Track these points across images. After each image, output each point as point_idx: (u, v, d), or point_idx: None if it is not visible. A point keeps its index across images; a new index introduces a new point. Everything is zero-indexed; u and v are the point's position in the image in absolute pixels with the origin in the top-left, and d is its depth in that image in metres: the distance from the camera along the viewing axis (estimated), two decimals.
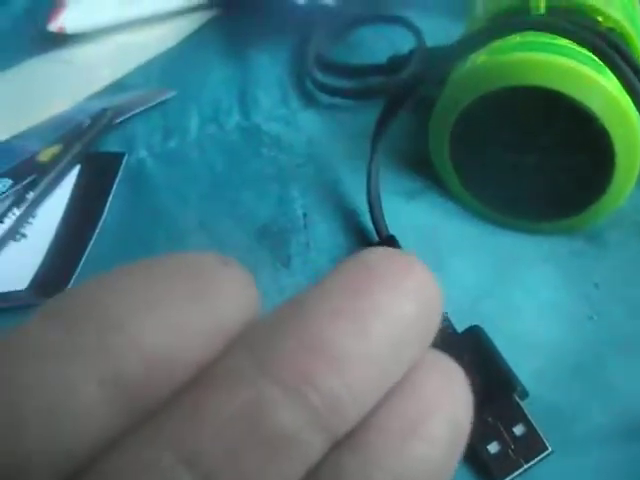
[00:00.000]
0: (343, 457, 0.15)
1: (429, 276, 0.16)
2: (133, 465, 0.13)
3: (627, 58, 0.34)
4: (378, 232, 0.39)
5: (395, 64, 0.49)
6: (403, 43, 0.50)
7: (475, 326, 0.33)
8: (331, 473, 0.15)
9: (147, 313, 0.14)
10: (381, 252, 0.16)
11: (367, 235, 0.40)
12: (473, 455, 0.30)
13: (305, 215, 0.42)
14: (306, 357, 0.14)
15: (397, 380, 0.16)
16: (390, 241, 0.38)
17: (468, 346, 0.32)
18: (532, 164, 0.38)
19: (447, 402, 0.16)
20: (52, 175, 0.46)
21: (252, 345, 0.15)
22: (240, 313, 0.15)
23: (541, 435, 0.30)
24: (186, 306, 0.14)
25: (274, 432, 0.14)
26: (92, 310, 0.14)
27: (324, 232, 0.41)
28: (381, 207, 0.39)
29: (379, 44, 0.53)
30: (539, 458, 0.30)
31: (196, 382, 0.14)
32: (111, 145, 0.50)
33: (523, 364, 0.32)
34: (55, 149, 0.47)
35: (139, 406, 0.14)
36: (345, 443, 0.15)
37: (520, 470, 0.30)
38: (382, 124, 0.41)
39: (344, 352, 0.14)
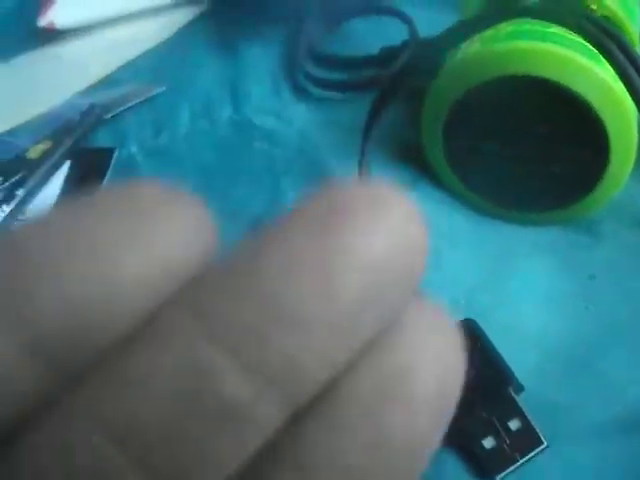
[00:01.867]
0: (306, 428, 0.13)
1: (410, 210, 0.13)
2: (57, 444, 0.11)
3: (622, 46, 0.33)
4: None
5: (387, 56, 0.49)
6: (396, 35, 0.50)
7: (469, 319, 0.33)
8: (292, 447, 0.13)
9: (69, 259, 0.12)
10: (349, 186, 0.13)
11: None
12: (468, 450, 0.30)
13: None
14: (259, 314, 0.12)
15: (372, 336, 0.13)
16: None
17: (461, 340, 0.32)
18: (526, 154, 0.38)
19: (433, 359, 0.13)
20: (42, 171, 0.45)
21: (196, 299, 0.12)
22: (190, 255, 0.13)
23: (536, 429, 0.30)
24: (119, 248, 0.12)
25: (220, 402, 0.12)
26: (5, 258, 0.12)
27: None
28: None
29: (371, 36, 0.53)
30: (535, 453, 0.29)
31: (130, 339, 0.12)
32: (101, 141, 0.49)
33: (518, 357, 0.32)
34: (45, 145, 0.47)
35: (65, 371, 0.12)
36: (309, 412, 0.13)
37: (515, 465, 0.29)
38: (374, 115, 0.40)
39: (306, 308, 0.12)
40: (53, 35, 0.59)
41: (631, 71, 0.33)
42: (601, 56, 0.34)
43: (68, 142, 0.47)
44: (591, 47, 0.35)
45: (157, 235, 0.12)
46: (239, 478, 0.12)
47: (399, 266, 0.13)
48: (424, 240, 0.13)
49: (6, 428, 0.12)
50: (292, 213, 0.13)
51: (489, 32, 0.37)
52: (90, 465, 0.11)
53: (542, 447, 0.29)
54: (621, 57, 0.33)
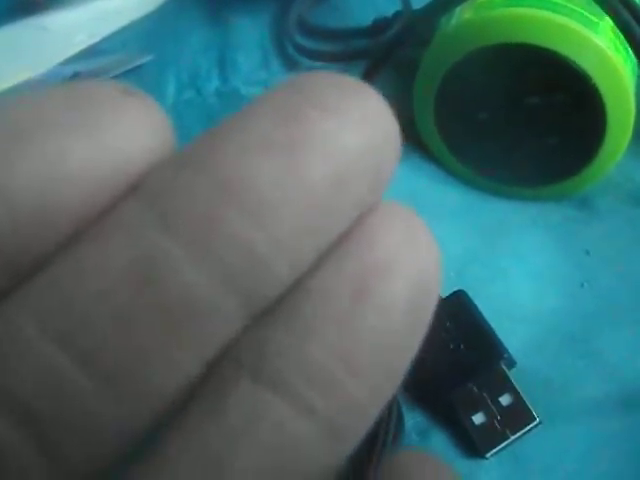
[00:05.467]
0: (269, 330, 0.12)
1: (383, 104, 0.13)
2: None
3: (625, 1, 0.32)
4: None
5: (379, 27, 0.48)
6: (388, 6, 0.49)
7: (459, 291, 0.32)
8: (253, 351, 0.12)
9: (16, 150, 0.11)
10: (319, 74, 0.13)
11: None
12: (457, 426, 0.29)
13: None
14: (217, 201, 0.11)
15: (339, 231, 0.12)
16: None
17: (451, 312, 0.31)
18: (520, 126, 0.37)
19: (407, 257, 0.12)
20: None
21: (150, 189, 0.11)
22: (142, 151, 0.12)
23: (528, 405, 0.29)
24: (70, 139, 0.11)
25: (175, 296, 0.11)
26: None
27: None
28: None
29: (363, 7, 0.52)
30: (526, 429, 0.29)
31: (79, 237, 0.11)
32: None
33: (511, 332, 0.31)
34: None
35: (10, 268, 0.11)
36: (272, 314, 0.12)
37: (506, 442, 0.29)
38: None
39: (268, 194, 0.11)
40: (38, 5, 0.58)
41: (634, 25, 0.32)
42: (599, 23, 0.33)
43: None
44: (588, 14, 0.34)
45: (107, 125, 0.11)
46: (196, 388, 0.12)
47: (370, 158, 0.12)
48: (396, 135, 0.13)
49: None
50: (253, 101, 0.12)
51: None
52: (24, 364, 0.11)
53: (534, 424, 0.29)
54: (623, 10, 0.32)
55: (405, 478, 0.13)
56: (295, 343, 0.12)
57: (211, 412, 0.11)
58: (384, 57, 0.39)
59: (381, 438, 0.27)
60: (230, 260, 0.11)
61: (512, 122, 0.37)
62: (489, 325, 0.31)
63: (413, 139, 0.40)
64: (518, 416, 0.29)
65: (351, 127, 0.12)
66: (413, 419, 0.30)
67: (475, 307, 0.32)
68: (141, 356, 0.11)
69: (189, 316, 0.11)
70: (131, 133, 0.12)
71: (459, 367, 0.29)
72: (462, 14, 0.36)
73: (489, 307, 0.32)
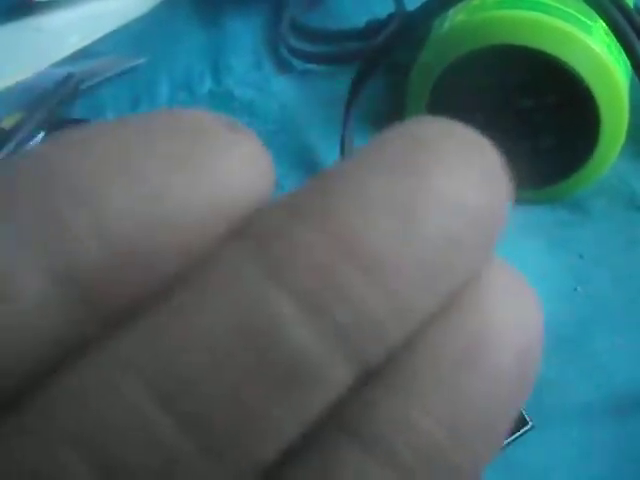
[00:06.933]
0: (377, 394, 0.11)
1: (501, 162, 0.12)
2: (87, 391, 0.10)
3: (617, 2, 0.32)
4: None
5: (372, 29, 0.48)
6: (381, 8, 0.49)
7: None
8: (360, 414, 0.11)
9: (115, 183, 0.10)
10: (435, 123, 0.12)
11: None
12: None
13: (278, 181, 0.41)
14: (331, 255, 0.10)
15: (452, 291, 0.11)
16: None
17: None
18: (514, 129, 0.37)
19: (516, 323, 0.12)
20: (15, 142, 0.44)
21: (258, 236, 0.11)
22: (246, 192, 0.11)
23: (521, 409, 0.29)
24: (173, 175, 0.11)
25: (284, 357, 0.10)
26: (37, 179, 0.10)
27: None
28: None
29: (357, 9, 0.52)
30: (519, 434, 0.29)
31: (179, 281, 0.10)
32: (78, 112, 0.48)
33: None
34: (19, 116, 0.46)
35: (102, 308, 0.10)
36: (380, 375, 0.11)
37: None
38: (357, 88, 0.39)
39: (383, 252, 0.10)
40: (32, 7, 0.58)
41: (627, 29, 0.32)
42: (593, 27, 0.33)
43: (42, 112, 0.46)
44: (582, 17, 0.34)
45: (211, 162, 0.11)
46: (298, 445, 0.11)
47: (485, 216, 0.11)
48: (508, 191, 0.12)
49: (21, 379, 0.10)
50: (362, 151, 0.11)
51: (475, 1, 0.36)
52: (124, 425, 0.10)
53: (527, 428, 0.29)
54: (617, 14, 0.32)
55: None
56: (402, 408, 0.11)
57: (319, 477, 0.11)
58: (377, 59, 0.39)
59: None
60: (343, 318, 0.10)
61: (505, 124, 0.37)
62: None
63: None
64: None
65: (471, 185, 0.11)
66: None
67: None
68: (247, 420, 0.10)
69: (298, 378, 0.10)
70: (236, 172, 0.11)
71: None
72: (455, 16, 0.36)
73: None
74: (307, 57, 0.49)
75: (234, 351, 0.10)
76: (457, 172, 0.11)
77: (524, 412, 0.29)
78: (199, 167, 0.11)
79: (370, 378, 0.11)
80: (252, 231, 0.11)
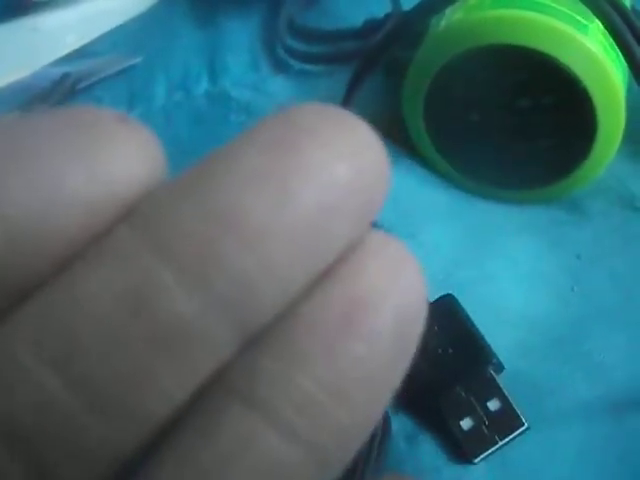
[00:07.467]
0: (259, 359, 0.12)
1: (373, 135, 0.13)
2: None
3: (617, 7, 0.32)
4: None
5: (369, 29, 0.47)
6: (378, 8, 0.48)
7: (447, 295, 0.32)
8: (244, 378, 0.12)
9: (14, 173, 0.11)
10: (311, 107, 0.13)
11: None
12: (445, 431, 0.29)
13: None
14: (210, 230, 0.11)
15: (328, 262, 0.12)
16: None
17: (439, 316, 0.31)
18: (510, 129, 0.37)
19: (393, 290, 0.13)
20: None
21: (144, 215, 0.12)
22: (135, 178, 0.12)
23: (517, 410, 0.29)
24: (65, 164, 0.11)
25: (167, 324, 0.11)
26: None
27: None
28: None
29: (353, 8, 0.52)
30: (515, 434, 0.29)
31: (71, 262, 0.11)
32: None
33: (500, 336, 0.31)
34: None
35: (5, 289, 0.11)
36: (262, 341, 0.12)
37: (495, 447, 0.28)
38: (353, 88, 0.39)
39: (260, 223, 0.11)
40: (28, 7, 0.58)
41: (624, 29, 0.32)
42: (589, 25, 0.33)
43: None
44: (578, 17, 0.34)
45: (102, 152, 0.12)
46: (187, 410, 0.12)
47: (360, 188, 0.12)
48: (385, 169, 0.13)
49: None
50: (243, 133, 0.12)
51: (472, 0, 0.35)
52: (18, 388, 0.11)
53: (523, 429, 0.29)
54: (614, 14, 0.32)
55: None
56: (285, 371, 0.12)
57: (204, 436, 0.12)
58: (374, 59, 0.39)
59: (368, 458, 0.27)
60: (223, 287, 0.11)
61: (502, 124, 0.37)
62: (477, 329, 0.31)
63: (402, 141, 0.40)
64: (506, 421, 0.29)
65: (342, 157, 0.12)
66: (400, 424, 0.30)
67: (463, 311, 0.31)
68: (131, 381, 0.11)
69: (180, 343, 0.11)
70: (125, 160, 0.12)
71: (447, 372, 0.29)
72: (452, 15, 0.36)
73: (478, 311, 0.31)
74: (304, 57, 0.48)
75: (119, 317, 0.11)
76: (329, 148, 0.12)
77: (520, 413, 0.29)
78: (92, 156, 0.12)
79: (254, 344, 0.12)
80: (139, 210, 0.12)
